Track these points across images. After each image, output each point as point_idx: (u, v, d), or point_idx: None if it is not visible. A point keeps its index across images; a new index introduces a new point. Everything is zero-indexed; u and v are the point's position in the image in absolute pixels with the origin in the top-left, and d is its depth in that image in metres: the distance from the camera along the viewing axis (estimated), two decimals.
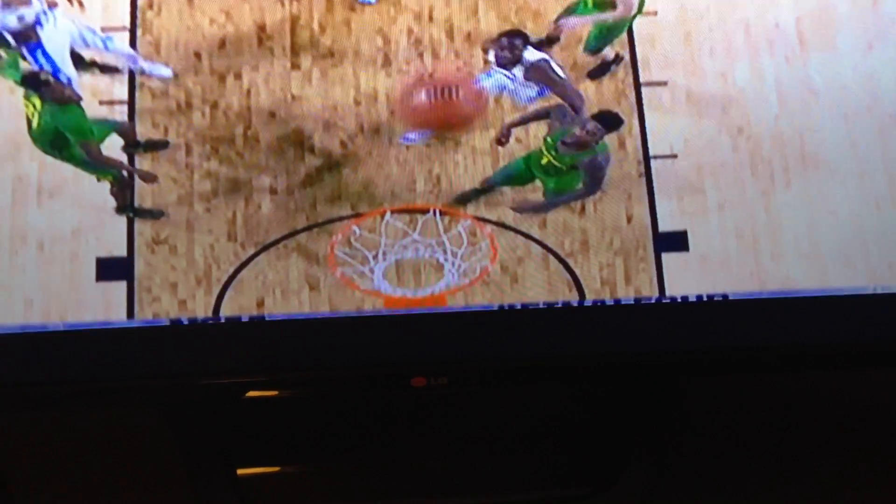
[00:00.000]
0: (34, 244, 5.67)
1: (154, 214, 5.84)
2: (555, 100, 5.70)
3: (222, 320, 4.98)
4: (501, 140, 5.49)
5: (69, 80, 5.72)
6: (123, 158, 5.80)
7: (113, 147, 5.76)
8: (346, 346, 4.06)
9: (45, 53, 5.73)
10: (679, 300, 4.90)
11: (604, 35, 5.86)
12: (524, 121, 5.52)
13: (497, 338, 4.08)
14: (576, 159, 5.39)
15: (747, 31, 6.16)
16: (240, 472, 4.42)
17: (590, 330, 4.18)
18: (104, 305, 5.45)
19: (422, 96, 5.38)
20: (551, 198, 5.60)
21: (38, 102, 5.48)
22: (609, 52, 5.98)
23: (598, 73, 6.06)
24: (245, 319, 4.80)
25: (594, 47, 5.82)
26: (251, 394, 4.11)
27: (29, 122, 5.59)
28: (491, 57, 5.57)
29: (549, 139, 5.43)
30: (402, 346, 4.08)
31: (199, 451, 4.44)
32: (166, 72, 6.04)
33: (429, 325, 4.32)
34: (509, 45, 5.50)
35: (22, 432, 4.41)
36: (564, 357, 4.07)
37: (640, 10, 5.66)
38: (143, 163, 5.84)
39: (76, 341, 4.30)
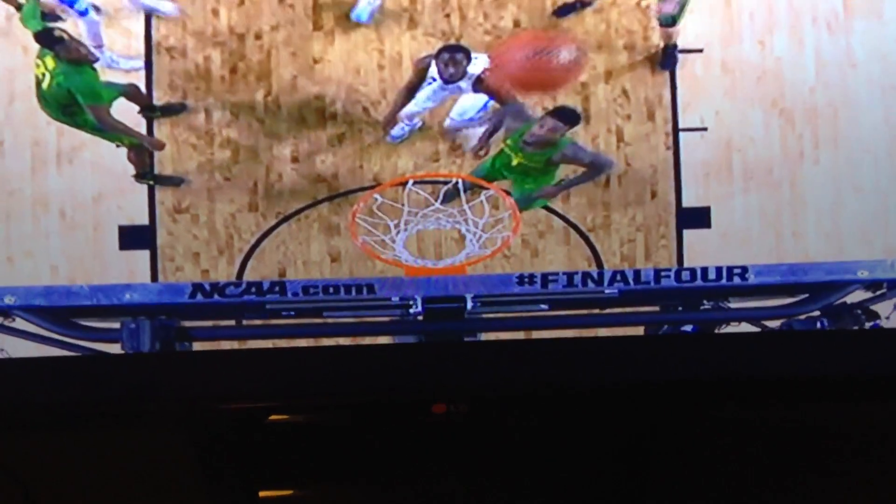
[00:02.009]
0: (56, 211, 6.53)
1: (174, 181, 6.64)
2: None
3: (246, 348, 5.73)
4: (479, 153, 6.38)
5: (86, 10, 6.49)
6: (139, 122, 6.61)
7: (130, 111, 6.55)
8: (368, 372, 4.75)
9: None
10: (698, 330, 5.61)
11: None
12: (487, 138, 6.38)
13: (517, 367, 4.78)
14: (547, 156, 6.15)
15: None
16: (262, 493, 5.01)
17: (610, 360, 4.88)
18: (128, 273, 6.32)
19: (525, 57, 6.07)
20: (524, 195, 6.32)
21: (50, 62, 6.21)
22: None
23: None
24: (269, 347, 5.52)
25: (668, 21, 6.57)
26: (273, 418, 4.90)
27: (38, 82, 6.27)
28: (433, 72, 6.32)
29: (509, 142, 6.20)
30: (422, 373, 4.75)
31: (222, 473, 4.94)
32: (170, 7, 6.86)
33: (450, 353, 5.02)
34: (451, 59, 6.24)
35: (49, 451, 5.03)
36: (583, 386, 4.80)
37: None
38: (162, 127, 6.67)
39: (103, 365, 5.10)
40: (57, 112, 6.49)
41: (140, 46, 6.90)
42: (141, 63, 6.93)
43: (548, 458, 5.08)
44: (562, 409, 5.00)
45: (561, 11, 7.10)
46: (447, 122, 6.75)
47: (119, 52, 6.87)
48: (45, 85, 6.38)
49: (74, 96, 6.34)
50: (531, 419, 5.05)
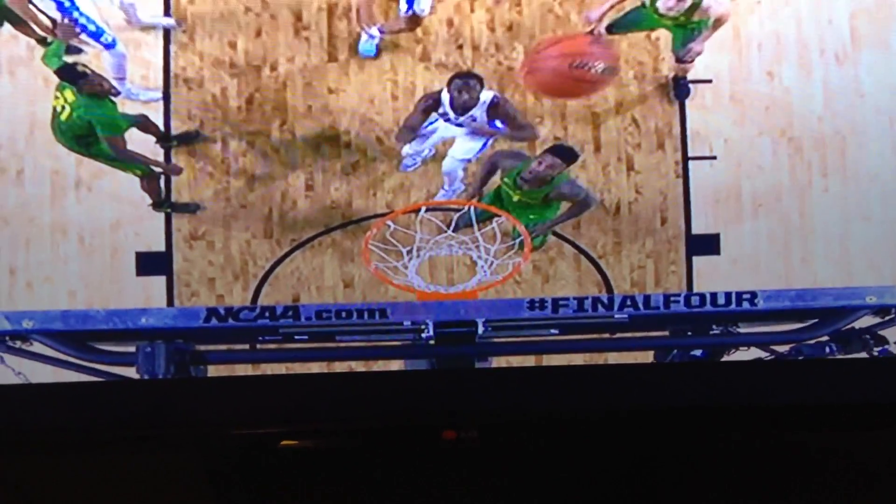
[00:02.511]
0: (74, 237, 6.63)
1: (190, 208, 6.73)
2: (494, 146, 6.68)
3: (258, 374, 5.79)
4: (475, 196, 6.46)
5: (114, 41, 6.63)
6: (157, 152, 6.71)
7: (147, 140, 6.66)
8: (379, 398, 4.83)
9: (83, 14, 6.65)
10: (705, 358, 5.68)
11: (689, 37, 6.62)
12: (483, 181, 6.46)
13: (525, 394, 4.86)
14: (544, 193, 6.22)
15: (799, 27, 6.92)
16: None
17: (618, 387, 4.95)
18: (145, 298, 6.40)
19: (561, 65, 6.14)
20: (536, 228, 6.39)
21: (70, 95, 6.32)
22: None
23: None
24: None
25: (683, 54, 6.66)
26: (285, 443, 4.96)
27: (55, 114, 6.39)
28: (445, 101, 6.40)
29: (507, 180, 6.28)
30: (433, 399, 4.85)
31: (234, 498, 5.05)
32: (170, 22, 6.98)
33: (460, 380, 5.09)
34: (465, 86, 6.32)
35: (62, 475, 5.17)
36: (591, 413, 4.86)
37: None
38: (179, 156, 6.77)
39: (116, 391, 5.19)
40: (72, 142, 6.59)
41: (157, 77, 7.01)
42: (159, 95, 7.04)
43: (557, 485, 5.12)
44: (570, 436, 5.04)
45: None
46: (446, 163, 6.82)
47: (138, 84, 6.99)
48: (63, 116, 6.49)
49: (93, 128, 6.44)
50: (540, 445, 5.09)
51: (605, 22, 7.02)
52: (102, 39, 6.78)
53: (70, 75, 6.44)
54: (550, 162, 6.35)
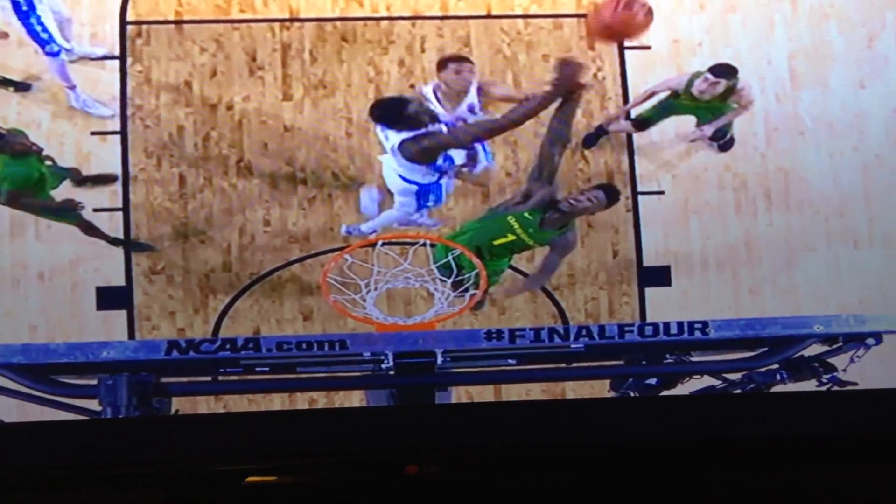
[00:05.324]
0: (34, 273, 6.60)
1: (144, 248, 6.74)
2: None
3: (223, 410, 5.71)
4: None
5: (58, 51, 6.72)
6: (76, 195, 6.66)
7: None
8: (341, 433, 4.85)
9: (40, 22, 6.72)
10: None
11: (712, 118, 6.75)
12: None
13: (488, 427, 4.89)
14: (551, 235, 6.10)
15: (740, 66, 7.08)
16: None
17: (580, 421, 4.98)
18: (106, 332, 6.37)
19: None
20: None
21: None
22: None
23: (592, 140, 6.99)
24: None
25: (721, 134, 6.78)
26: (251, 479, 4.96)
27: None
28: (429, 95, 6.23)
29: (528, 216, 6.11)
30: (395, 434, 4.88)
31: None
32: (100, 51, 7.03)
33: (422, 414, 5.10)
34: (460, 66, 6.18)
35: None
36: (553, 447, 4.89)
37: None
38: (138, 192, 6.76)
39: (78, 429, 5.12)
40: None
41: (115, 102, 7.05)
42: (110, 112, 7.07)
43: None
44: (531, 470, 5.07)
45: (587, 143, 7.28)
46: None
47: (92, 95, 7.02)
48: None
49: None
50: (502, 479, 5.12)
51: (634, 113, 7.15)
52: (47, 49, 6.77)
53: None
54: (594, 196, 6.09)
